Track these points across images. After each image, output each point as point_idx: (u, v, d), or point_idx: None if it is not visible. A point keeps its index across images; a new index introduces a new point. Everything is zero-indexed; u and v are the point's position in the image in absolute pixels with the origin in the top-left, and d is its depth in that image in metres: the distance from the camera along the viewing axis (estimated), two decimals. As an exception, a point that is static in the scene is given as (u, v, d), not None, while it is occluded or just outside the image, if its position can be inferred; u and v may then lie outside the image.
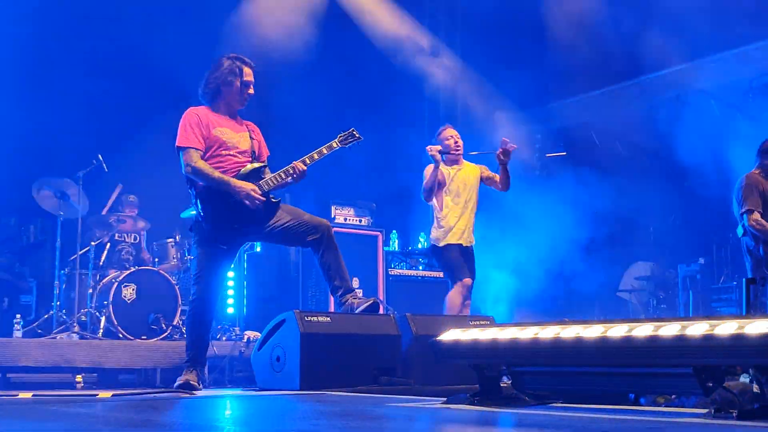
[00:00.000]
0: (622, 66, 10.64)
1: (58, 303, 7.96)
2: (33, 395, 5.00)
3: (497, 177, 7.40)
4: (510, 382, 3.91)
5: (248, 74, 5.94)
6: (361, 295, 6.48)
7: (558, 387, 3.78)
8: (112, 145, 8.98)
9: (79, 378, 6.67)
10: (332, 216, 9.15)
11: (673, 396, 3.68)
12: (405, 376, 5.99)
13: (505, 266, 11.33)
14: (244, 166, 5.82)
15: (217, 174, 5.66)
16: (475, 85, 11.73)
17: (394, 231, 9.99)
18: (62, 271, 8.23)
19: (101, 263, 8.45)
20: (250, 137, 5.98)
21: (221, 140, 5.78)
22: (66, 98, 9.39)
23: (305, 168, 5.80)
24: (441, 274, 9.62)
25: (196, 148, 5.68)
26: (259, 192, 5.70)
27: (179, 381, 5.59)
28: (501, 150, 7.15)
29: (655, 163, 11.12)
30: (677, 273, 10.85)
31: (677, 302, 10.87)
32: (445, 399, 3.93)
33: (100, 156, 8.33)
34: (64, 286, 8.19)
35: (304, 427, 3.08)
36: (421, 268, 9.59)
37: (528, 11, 10.56)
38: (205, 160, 5.70)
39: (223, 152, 5.77)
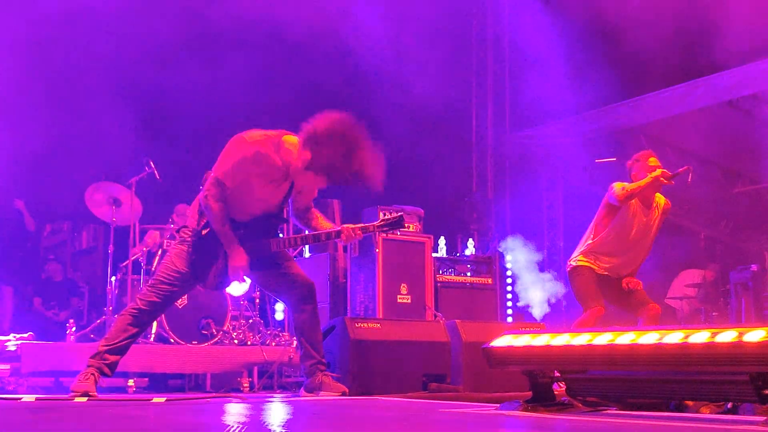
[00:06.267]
0: (673, 69, 10.54)
1: (111, 308, 8.06)
2: (87, 399, 5.07)
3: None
4: (564, 388, 3.89)
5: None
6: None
7: (612, 393, 3.75)
8: (166, 152, 9.05)
9: (130, 382, 6.74)
10: (380, 222, 9.11)
11: (728, 405, 3.64)
12: (454, 382, 6.01)
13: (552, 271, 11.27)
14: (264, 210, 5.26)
15: (226, 228, 5.11)
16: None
17: (442, 237, 9.97)
18: (114, 277, 8.33)
19: (153, 269, 8.53)
20: (290, 188, 5.27)
21: (256, 195, 5.18)
22: (119, 104, 9.40)
23: (362, 236, 5.31)
24: (489, 281, 9.58)
25: (226, 186, 5.08)
26: (246, 276, 5.22)
27: (80, 389, 5.14)
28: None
29: (706, 169, 10.99)
30: (729, 280, 10.71)
31: (729, 309, 10.74)
32: (497, 405, 3.92)
33: (151, 162, 8.38)
34: (116, 292, 8.29)
35: (357, 432, 3.10)
36: (468, 274, 9.55)
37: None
38: (228, 191, 5.11)
39: (247, 199, 5.18)
